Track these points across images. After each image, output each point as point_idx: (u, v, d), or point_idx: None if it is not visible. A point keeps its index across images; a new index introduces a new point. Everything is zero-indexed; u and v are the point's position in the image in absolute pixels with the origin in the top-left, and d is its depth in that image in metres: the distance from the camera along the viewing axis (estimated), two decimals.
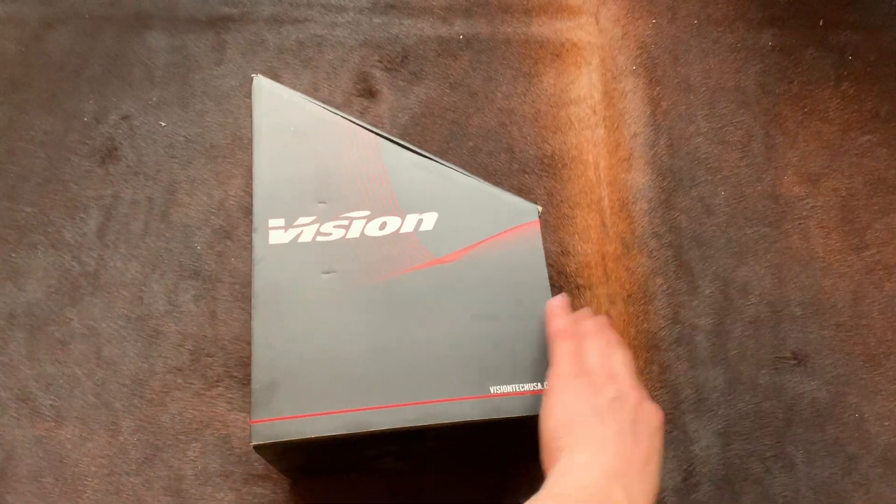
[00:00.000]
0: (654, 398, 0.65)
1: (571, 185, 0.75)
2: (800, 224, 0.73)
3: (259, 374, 0.53)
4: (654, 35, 0.83)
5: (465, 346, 0.53)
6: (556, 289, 0.70)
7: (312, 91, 0.80)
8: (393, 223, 0.57)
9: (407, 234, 0.57)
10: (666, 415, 0.64)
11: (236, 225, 0.73)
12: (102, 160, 0.77)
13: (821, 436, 0.64)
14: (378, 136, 0.60)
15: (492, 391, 0.52)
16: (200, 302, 0.69)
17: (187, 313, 0.69)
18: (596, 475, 0.42)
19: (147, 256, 0.72)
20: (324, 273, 0.56)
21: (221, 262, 0.71)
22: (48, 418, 0.65)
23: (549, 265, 0.70)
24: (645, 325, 0.69)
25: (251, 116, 0.62)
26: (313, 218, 0.58)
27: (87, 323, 0.69)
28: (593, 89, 0.80)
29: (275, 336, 0.54)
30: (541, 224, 0.59)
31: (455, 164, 0.75)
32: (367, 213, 0.58)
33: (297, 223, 0.57)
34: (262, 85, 0.63)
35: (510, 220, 0.58)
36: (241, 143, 0.77)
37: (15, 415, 0.66)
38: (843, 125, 0.78)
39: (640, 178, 0.75)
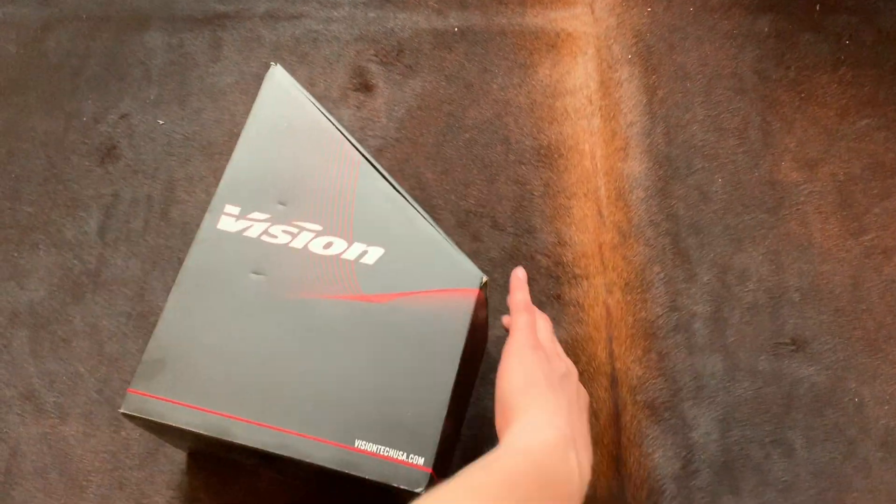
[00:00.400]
0: (651, 385, 0.65)
1: (568, 175, 0.75)
2: (797, 210, 0.73)
3: (152, 349, 0.54)
4: (649, 23, 0.83)
5: (352, 391, 0.52)
6: (552, 279, 0.70)
7: (309, 87, 0.80)
8: (338, 246, 0.56)
9: (347, 261, 0.56)
10: (665, 402, 0.65)
11: None
12: (102, 159, 0.78)
13: (820, 421, 0.64)
14: (362, 157, 0.59)
15: (356, 445, 0.50)
16: None
17: None
18: (554, 436, 0.45)
19: (147, 254, 0.72)
20: (253, 273, 0.56)
21: None
22: (52, 415, 0.66)
23: (546, 255, 0.70)
24: (643, 313, 0.69)
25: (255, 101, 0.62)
26: (267, 216, 0.57)
27: (88, 320, 0.70)
28: (589, 79, 0.80)
29: (183, 318, 0.55)
30: (483, 296, 0.56)
31: (452, 156, 0.76)
32: (319, 228, 0.57)
33: (250, 216, 0.58)
34: (275, 75, 0.63)
35: (451, 280, 0.55)
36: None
37: (19, 412, 0.66)
38: (840, 110, 0.78)
39: (636, 167, 0.75)
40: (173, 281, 0.70)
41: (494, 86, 0.80)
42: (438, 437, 0.50)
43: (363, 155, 0.59)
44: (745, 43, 0.82)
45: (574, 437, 0.46)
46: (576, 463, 0.45)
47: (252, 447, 0.50)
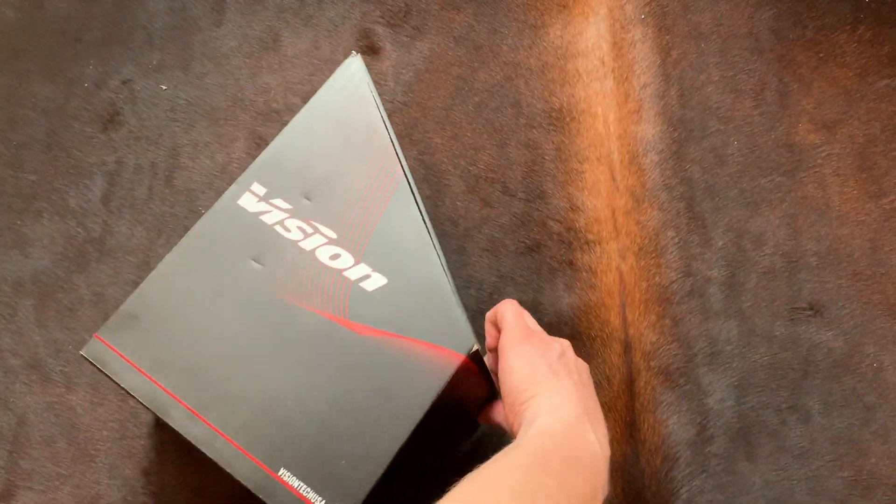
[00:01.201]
0: (665, 351, 0.64)
1: (580, 138, 0.73)
2: (815, 173, 0.71)
3: (131, 303, 0.53)
4: None
5: (300, 415, 0.49)
6: (564, 245, 0.68)
7: (313, 49, 0.78)
8: (345, 261, 0.53)
9: (347, 279, 0.53)
10: (679, 368, 0.64)
11: None
12: (104, 126, 0.76)
13: (838, 386, 0.63)
14: (404, 178, 0.56)
15: (279, 473, 0.47)
16: None
17: None
18: (567, 415, 0.46)
19: (152, 221, 0.71)
20: (253, 260, 0.54)
21: None
22: (59, 384, 0.65)
23: (558, 221, 0.69)
24: (657, 278, 0.67)
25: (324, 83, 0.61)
26: (289, 207, 0.56)
27: (94, 289, 0.69)
28: (601, 40, 0.78)
29: (171, 281, 0.54)
30: (473, 364, 0.52)
31: (461, 120, 0.74)
32: (334, 236, 0.54)
33: (273, 201, 0.56)
34: (351, 66, 0.61)
35: (440, 337, 0.51)
36: (243, 104, 0.76)
37: (26, 381, 0.66)
38: (859, 70, 0.76)
39: (650, 130, 0.73)
40: None
41: (504, 47, 0.78)
42: (365, 495, 0.47)
43: (406, 176, 0.56)
44: (761, 2, 0.79)
45: (587, 413, 0.47)
46: (594, 438, 0.46)
47: (183, 435, 0.49)
